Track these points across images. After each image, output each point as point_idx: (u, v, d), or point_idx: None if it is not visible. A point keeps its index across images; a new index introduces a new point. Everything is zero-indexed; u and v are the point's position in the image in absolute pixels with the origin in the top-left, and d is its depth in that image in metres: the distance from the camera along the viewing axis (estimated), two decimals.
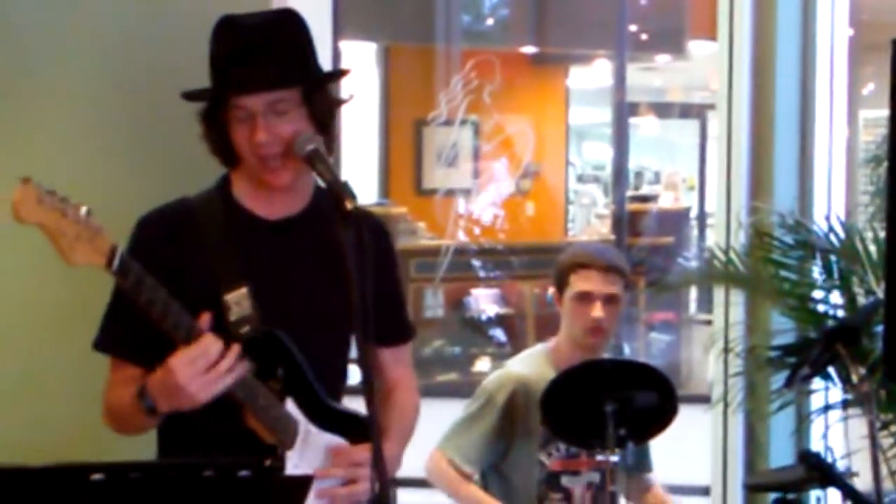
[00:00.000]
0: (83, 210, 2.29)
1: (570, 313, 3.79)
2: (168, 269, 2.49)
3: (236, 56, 2.61)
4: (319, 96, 2.70)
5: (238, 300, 2.59)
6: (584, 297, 3.74)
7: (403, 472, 3.02)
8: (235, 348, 2.49)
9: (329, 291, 2.64)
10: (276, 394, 2.62)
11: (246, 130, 2.62)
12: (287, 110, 2.62)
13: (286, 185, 2.67)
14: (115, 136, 3.36)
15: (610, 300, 3.74)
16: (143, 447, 2.70)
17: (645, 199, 12.14)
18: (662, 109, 13.02)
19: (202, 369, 2.43)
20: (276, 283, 2.67)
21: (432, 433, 3.85)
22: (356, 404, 2.71)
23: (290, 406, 2.65)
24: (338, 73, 2.84)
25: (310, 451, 2.68)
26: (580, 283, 3.75)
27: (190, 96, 2.70)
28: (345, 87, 2.84)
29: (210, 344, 2.45)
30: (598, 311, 3.72)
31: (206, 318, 2.48)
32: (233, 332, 2.55)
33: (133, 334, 2.62)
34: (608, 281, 3.74)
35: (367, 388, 2.44)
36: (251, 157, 2.65)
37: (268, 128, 2.60)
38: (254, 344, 2.56)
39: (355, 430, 2.72)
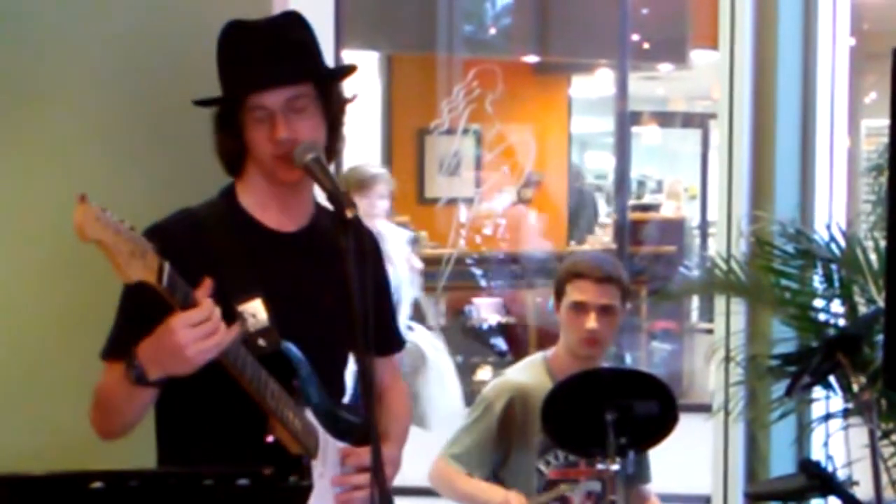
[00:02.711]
0: (129, 226, 2.30)
1: (565, 323, 3.79)
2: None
3: (250, 56, 2.63)
4: (332, 92, 2.73)
5: (253, 311, 2.59)
6: (579, 308, 3.74)
7: (408, 480, 3.03)
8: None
9: (335, 303, 2.64)
10: (296, 403, 2.64)
11: (265, 130, 2.63)
12: (304, 107, 2.64)
13: (297, 180, 2.67)
14: (126, 141, 3.36)
15: (605, 311, 3.73)
16: (144, 456, 2.70)
17: (647, 207, 12.14)
18: (665, 118, 13.03)
19: (203, 333, 2.39)
20: (289, 295, 2.67)
21: (435, 441, 3.86)
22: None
23: (309, 416, 2.67)
24: (348, 69, 2.84)
25: (329, 459, 2.71)
26: (575, 293, 3.75)
27: (203, 102, 2.71)
28: (351, 91, 2.86)
29: (212, 309, 2.41)
30: (591, 321, 3.72)
31: (207, 283, 2.44)
32: (249, 343, 2.56)
33: (138, 342, 2.62)
34: (603, 291, 3.74)
35: (367, 397, 2.46)
36: (268, 158, 2.65)
37: (287, 125, 2.62)
38: (271, 357, 2.57)
39: (361, 435, 2.74)
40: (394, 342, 3.02)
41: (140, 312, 2.47)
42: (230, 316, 2.53)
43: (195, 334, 2.39)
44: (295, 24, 2.71)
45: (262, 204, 2.74)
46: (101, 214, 2.24)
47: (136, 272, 2.30)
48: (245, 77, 2.63)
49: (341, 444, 2.73)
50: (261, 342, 2.56)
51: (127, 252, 2.27)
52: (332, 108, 2.72)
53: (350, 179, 6.17)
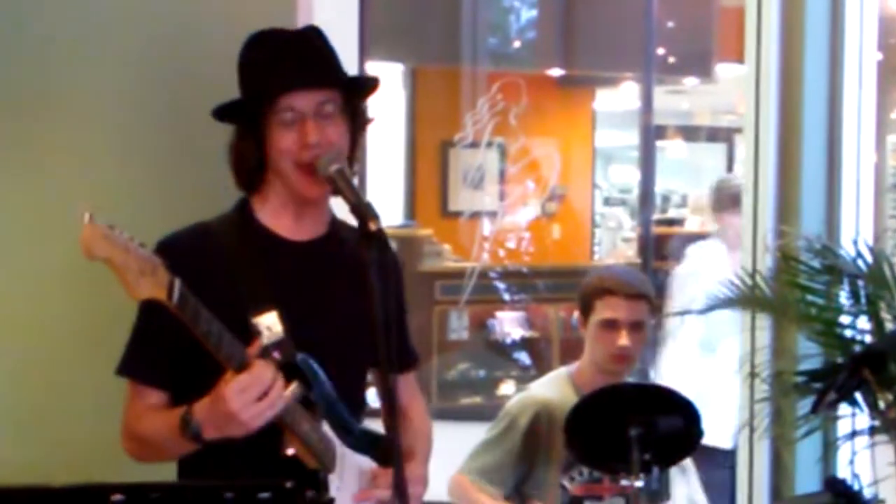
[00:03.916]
0: (139, 243, 2.29)
1: (594, 339, 3.77)
2: (193, 291, 2.44)
3: (281, 59, 2.63)
4: (357, 105, 2.73)
5: (268, 324, 2.59)
6: (610, 325, 3.73)
7: (427, 493, 3.02)
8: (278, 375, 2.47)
9: (353, 315, 2.63)
10: (312, 417, 2.62)
11: (292, 134, 2.62)
12: (332, 114, 2.65)
13: (319, 197, 2.67)
14: (144, 152, 3.37)
15: (636, 327, 3.73)
16: (163, 469, 2.69)
17: (671, 222, 12.11)
18: (690, 133, 13.00)
19: (255, 397, 2.41)
20: (305, 306, 2.66)
21: (456, 455, 3.84)
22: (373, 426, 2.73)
23: (326, 429, 2.65)
24: (374, 81, 2.83)
25: (347, 474, 2.70)
26: (606, 310, 3.74)
27: (228, 106, 2.69)
28: (371, 112, 2.85)
29: (263, 372, 2.44)
30: (624, 339, 3.71)
31: (257, 345, 2.47)
32: (264, 356, 2.55)
33: (158, 360, 2.62)
34: (634, 308, 3.73)
35: (390, 412, 2.45)
36: (291, 167, 2.63)
37: (318, 130, 2.61)
38: (287, 369, 2.56)
39: (382, 451, 2.72)
40: (409, 359, 3.02)
41: (156, 328, 2.47)
42: (245, 329, 2.52)
43: (247, 399, 2.40)
44: (319, 36, 2.73)
45: (277, 214, 2.73)
46: (108, 232, 2.23)
47: (145, 290, 2.29)
48: (277, 77, 2.62)
49: (360, 459, 2.72)
50: (275, 355, 2.55)
51: (136, 270, 2.27)
52: (356, 123, 2.71)
53: (722, 194, 5.88)
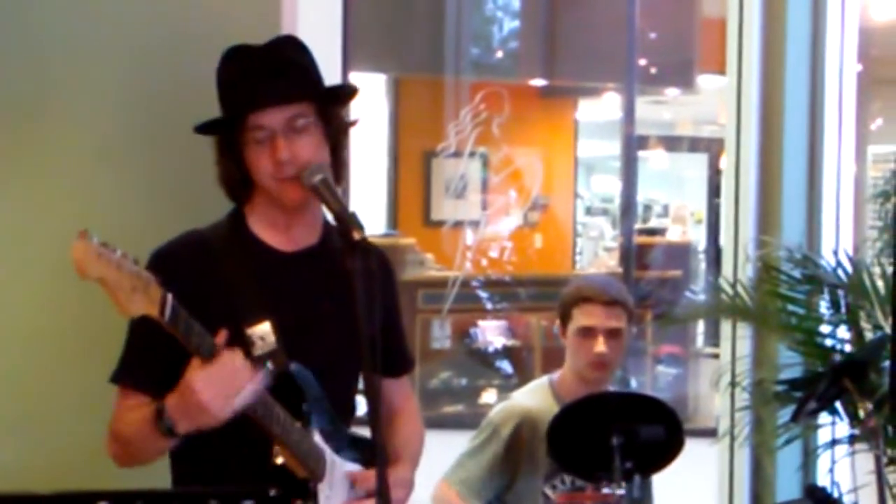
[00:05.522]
0: (132, 260, 2.29)
1: (573, 347, 3.79)
2: (187, 303, 2.44)
3: (249, 76, 2.63)
4: (333, 113, 2.73)
5: (262, 334, 2.59)
6: (587, 332, 3.74)
7: (410, 500, 3.03)
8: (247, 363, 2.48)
9: (343, 323, 2.63)
10: (303, 427, 2.63)
11: (266, 152, 2.62)
12: (305, 127, 2.64)
13: (302, 200, 2.66)
14: (135, 163, 3.37)
15: (613, 334, 3.74)
16: (152, 476, 2.69)
17: (653, 231, 12.14)
18: (671, 143, 13.04)
19: (222, 385, 2.42)
20: (298, 316, 2.67)
21: (439, 464, 3.85)
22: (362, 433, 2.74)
23: (317, 438, 2.66)
24: (348, 89, 2.83)
25: (336, 482, 2.70)
26: (583, 317, 3.76)
27: (203, 127, 2.71)
28: (353, 115, 2.85)
29: (229, 360, 2.44)
30: (600, 345, 3.72)
31: (223, 335, 2.47)
32: (257, 366, 2.55)
33: (151, 368, 2.62)
34: (611, 315, 3.74)
35: (374, 418, 2.45)
36: (270, 180, 2.65)
37: (288, 146, 2.61)
38: (280, 379, 2.57)
39: (371, 457, 2.73)
40: (404, 363, 3.02)
41: (149, 336, 2.48)
42: (239, 339, 2.53)
43: (216, 390, 2.41)
44: (293, 47, 2.72)
45: (269, 225, 2.74)
46: (102, 250, 2.22)
47: (138, 307, 2.29)
48: (244, 97, 2.62)
49: (350, 466, 2.73)
50: (268, 365, 2.56)
51: (129, 287, 2.26)
52: (333, 130, 2.71)
53: None
